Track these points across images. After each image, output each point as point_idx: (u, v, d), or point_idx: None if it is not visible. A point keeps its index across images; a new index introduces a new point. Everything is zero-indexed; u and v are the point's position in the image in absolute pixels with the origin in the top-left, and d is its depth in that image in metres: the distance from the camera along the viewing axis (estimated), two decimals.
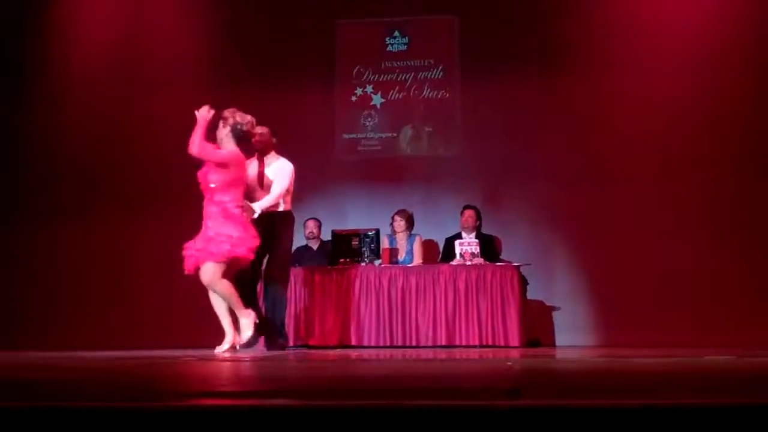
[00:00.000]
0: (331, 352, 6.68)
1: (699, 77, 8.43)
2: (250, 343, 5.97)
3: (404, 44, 9.05)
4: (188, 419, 1.95)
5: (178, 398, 2.37)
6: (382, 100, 9.03)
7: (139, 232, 8.86)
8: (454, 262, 7.51)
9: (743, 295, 8.01)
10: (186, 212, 8.76)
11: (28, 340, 8.17)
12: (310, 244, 8.37)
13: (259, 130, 6.48)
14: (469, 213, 7.99)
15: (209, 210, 6.06)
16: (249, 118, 6.25)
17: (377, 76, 9.05)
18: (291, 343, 7.27)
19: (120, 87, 9.21)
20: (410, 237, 7.97)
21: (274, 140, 6.73)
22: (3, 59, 9.28)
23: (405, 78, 9.02)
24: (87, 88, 9.27)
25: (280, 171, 6.55)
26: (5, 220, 9.09)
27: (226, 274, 5.94)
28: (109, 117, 9.15)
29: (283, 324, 6.60)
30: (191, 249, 6.03)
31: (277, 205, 6.46)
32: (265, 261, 6.50)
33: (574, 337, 8.19)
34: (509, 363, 4.62)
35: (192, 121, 8.98)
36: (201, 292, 8.53)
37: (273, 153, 6.68)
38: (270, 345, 6.51)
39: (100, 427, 1.93)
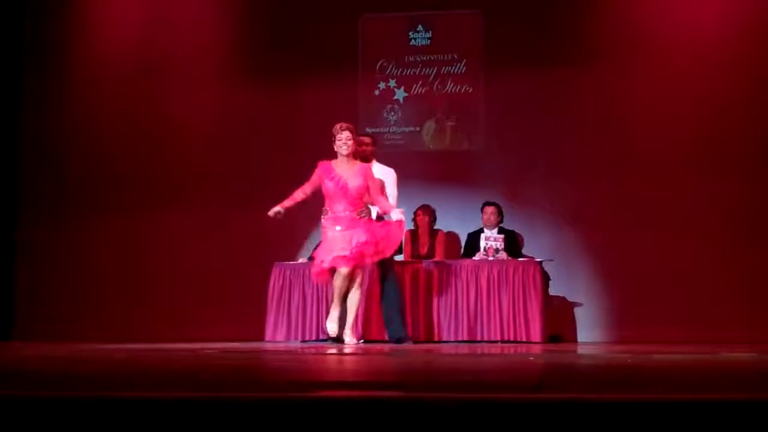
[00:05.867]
0: (353, 347, 6.71)
1: (720, 76, 8.38)
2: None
3: (427, 38, 9.05)
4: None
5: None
6: (405, 95, 9.03)
7: (161, 227, 8.93)
8: (477, 257, 7.51)
9: (766, 292, 7.97)
10: (207, 207, 8.89)
11: (47, 332, 8.30)
12: None
13: (365, 140, 7.04)
14: (491, 210, 7.96)
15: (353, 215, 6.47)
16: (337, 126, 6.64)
17: (400, 70, 9.06)
18: (310, 337, 7.35)
19: (142, 82, 9.25)
20: (432, 232, 7.98)
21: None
22: (26, 57, 9.39)
23: (428, 72, 9.02)
24: (109, 85, 9.32)
25: (392, 180, 7.04)
26: (30, 218, 9.19)
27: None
28: (132, 113, 9.20)
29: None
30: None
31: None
32: None
33: (595, 333, 8.18)
34: (531, 358, 4.63)
35: (212, 117, 9.10)
36: (220, 287, 8.64)
37: (374, 161, 7.06)
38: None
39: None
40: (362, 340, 6.98)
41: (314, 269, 6.55)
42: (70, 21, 9.54)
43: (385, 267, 6.82)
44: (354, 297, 6.45)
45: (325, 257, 6.41)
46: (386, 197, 6.75)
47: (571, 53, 8.62)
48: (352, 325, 6.51)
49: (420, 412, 1.93)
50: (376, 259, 6.51)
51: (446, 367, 3.82)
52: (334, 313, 6.45)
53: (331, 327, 6.46)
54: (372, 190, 6.55)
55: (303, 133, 8.62)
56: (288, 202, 6.59)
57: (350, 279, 6.39)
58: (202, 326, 8.22)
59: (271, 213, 6.53)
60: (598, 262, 8.43)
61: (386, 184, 6.95)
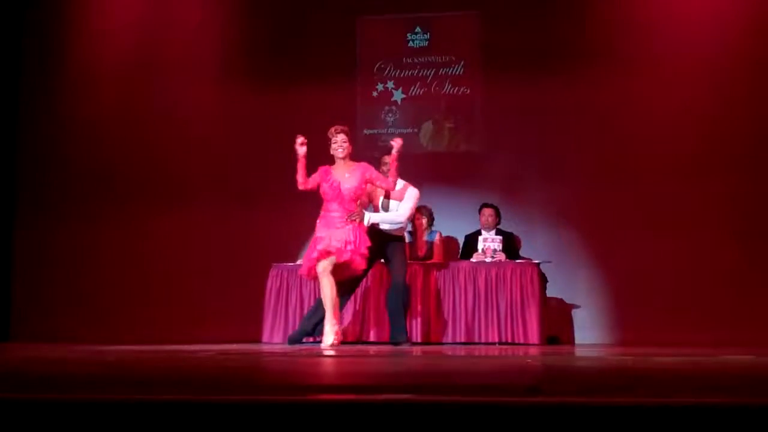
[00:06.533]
0: (350, 348, 6.70)
1: (717, 78, 8.41)
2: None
3: (425, 40, 9.06)
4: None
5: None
6: (403, 96, 9.04)
7: (159, 228, 8.93)
8: (475, 257, 7.51)
9: (763, 294, 7.97)
10: (205, 208, 8.89)
11: (44, 334, 8.30)
12: None
13: (387, 159, 7.01)
14: (489, 212, 7.96)
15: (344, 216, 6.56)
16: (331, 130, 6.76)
17: (398, 71, 9.06)
18: (306, 339, 7.32)
19: (141, 83, 9.28)
20: (430, 233, 7.98)
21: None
22: (26, 57, 9.38)
23: (426, 74, 9.02)
24: (108, 86, 9.34)
25: (409, 196, 7.07)
26: (28, 218, 9.19)
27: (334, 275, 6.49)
28: (131, 114, 9.23)
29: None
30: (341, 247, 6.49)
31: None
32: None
33: (593, 335, 8.19)
34: (528, 360, 4.63)
35: (210, 118, 9.10)
36: (218, 288, 8.64)
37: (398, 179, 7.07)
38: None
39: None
40: (342, 342, 6.91)
41: (302, 269, 6.72)
42: (69, 21, 9.55)
43: (394, 268, 6.82)
44: (325, 289, 6.42)
45: (306, 259, 6.59)
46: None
47: (569, 54, 8.63)
48: (333, 320, 6.44)
49: (417, 415, 1.93)
50: (352, 255, 6.51)
51: (444, 370, 3.82)
52: (328, 326, 6.46)
53: (327, 340, 6.44)
54: (374, 184, 6.78)
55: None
56: (300, 167, 6.68)
57: (328, 276, 6.42)
58: (200, 327, 8.24)
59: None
60: (595, 263, 8.44)
61: (406, 199, 7.04)
